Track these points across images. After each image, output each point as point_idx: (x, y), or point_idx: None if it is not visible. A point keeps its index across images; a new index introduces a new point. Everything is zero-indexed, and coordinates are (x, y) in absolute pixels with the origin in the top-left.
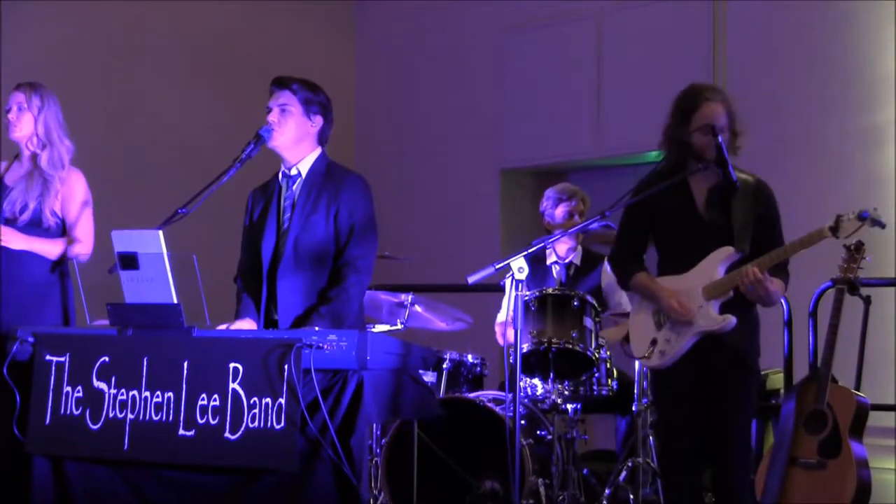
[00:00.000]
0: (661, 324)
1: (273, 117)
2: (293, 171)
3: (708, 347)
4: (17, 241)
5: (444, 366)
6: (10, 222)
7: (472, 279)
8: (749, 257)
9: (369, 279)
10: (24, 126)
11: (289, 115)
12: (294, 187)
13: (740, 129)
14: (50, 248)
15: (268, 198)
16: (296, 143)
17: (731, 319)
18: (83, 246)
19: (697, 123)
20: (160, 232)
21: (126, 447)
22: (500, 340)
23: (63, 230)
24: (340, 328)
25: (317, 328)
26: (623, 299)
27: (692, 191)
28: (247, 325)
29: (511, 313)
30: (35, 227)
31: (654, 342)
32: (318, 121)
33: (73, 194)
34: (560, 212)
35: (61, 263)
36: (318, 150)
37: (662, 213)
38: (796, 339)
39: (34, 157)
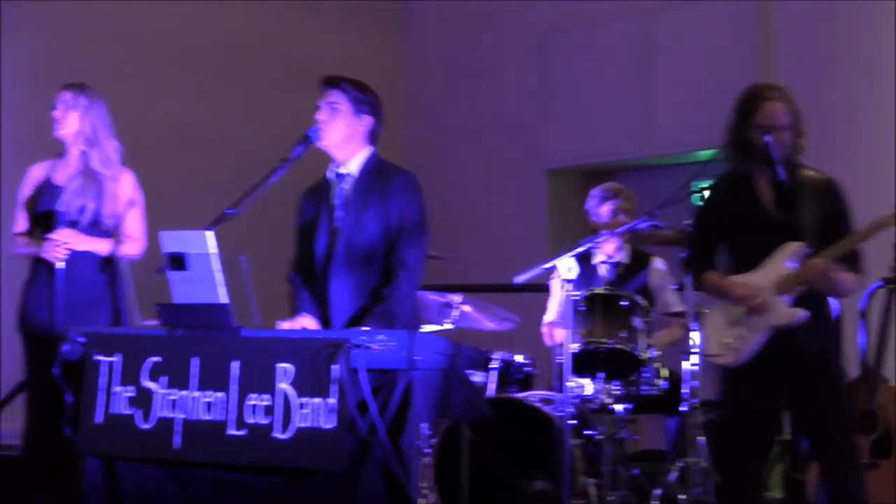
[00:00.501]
0: (734, 321)
1: (322, 115)
2: (343, 170)
3: (778, 347)
4: (81, 242)
5: (493, 366)
6: (73, 225)
7: (519, 279)
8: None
9: (421, 277)
10: (70, 123)
11: (338, 113)
12: (345, 186)
13: (806, 127)
14: (101, 247)
15: (319, 198)
16: (345, 142)
17: (802, 313)
18: (134, 245)
19: (758, 123)
20: (209, 232)
21: (176, 447)
22: (548, 341)
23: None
24: (394, 327)
25: (367, 328)
26: (672, 298)
27: (758, 190)
28: (307, 321)
29: (560, 313)
30: (95, 228)
31: (727, 340)
32: (368, 120)
33: (123, 193)
34: (605, 210)
35: (111, 263)
36: (369, 150)
37: (729, 214)
38: (847, 339)
39: (83, 156)
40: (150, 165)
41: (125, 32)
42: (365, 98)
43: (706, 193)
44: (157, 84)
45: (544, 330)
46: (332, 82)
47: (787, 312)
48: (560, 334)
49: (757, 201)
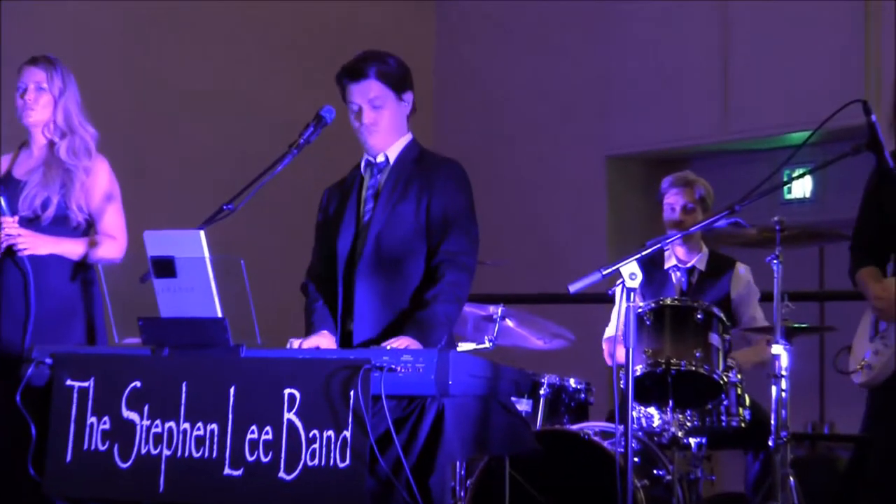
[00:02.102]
0: (876, 333)
1: (369, 119)
2: (380, 158)
3: None
4: (43, 245)
5: (542, 392)
6: (33, 222)
7: (573, 288)
8: None
9: (472, 278)
10: (43, 110)
11: (384, 109)
12: (379, 175)
13: None
14: (73, 249)
15: (346, 190)
16: (391, 134)
17: None
18: (114, 246)
19: None
20: (202, 232)
21: (162, 489)
22: (609, 360)
23: (88, 229)
24: (436, 337)
25: (389, 347)
26: (758, 313)
27: None
28: (324, 340)
29: (621, 328)
30: (61, 225)
31: (865, 355)
32: (409, 96)
33: (97, 186)
34: (669, 203)
35: (85, 269)
36: (409, 136)
37: (891, 207)
38: None
39: (50, 145)
40: (188, 156)
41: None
42: (400, 74)
43: (869, 181)
44: (206, 61)
45: (604, 346)
46: (361, 73)
47: None
48: (622, 353)
49: None
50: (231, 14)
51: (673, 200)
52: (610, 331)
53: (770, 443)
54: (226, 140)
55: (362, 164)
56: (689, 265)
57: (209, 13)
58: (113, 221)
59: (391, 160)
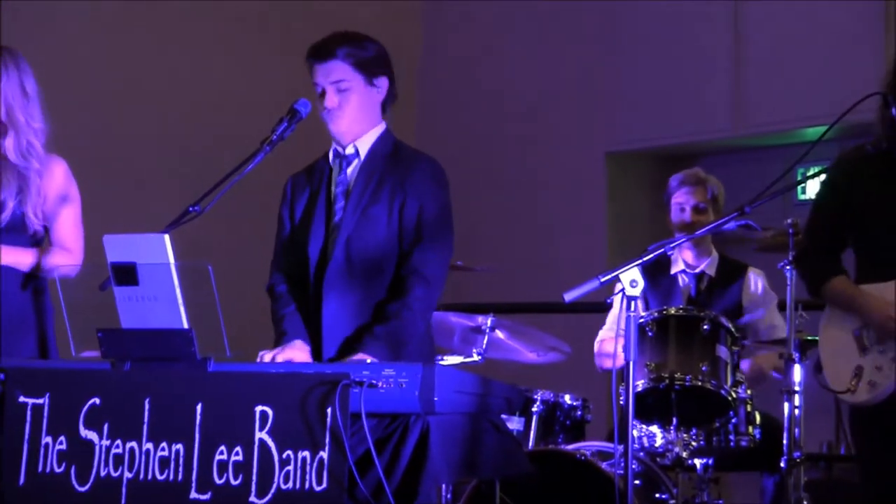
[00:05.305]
0: (867, 346)
1: (332, 102)
2: (349, 150)
3: None
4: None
5: (535, 409)
6: None
7: (569, 296)
8: None
9: (440, 292)
10: None
11: (350, 93)
12: (349, 171)
13: None
14: (23, 259)
15: (314, 184)
16: (359, 122)
17: None
18: (69, 255)
19: None
20: (166, 236)
21: None
22: (599, 363)
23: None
24: (399, 354)
25: (369, 359)
26: (777, 320)
27: None
28: (298, 353)
29: (622, 334)
30: (17, 233)
31: (858, 371)
32: (383, 82)
33: (52, 189)
34: (678, 203)
35: (35, 278)
36: (382, 126)
37: (865, 203)
38: None
39: None
40: (152, 152)
41: None
42: (372, 57)
43: (834, 173)
44: (174, 46)
45: (596, 347)
46: (326, 54)
47: None
48: (610, 346)
49: None
50: (215, 11)
51: (683, 200)
52: (604, 332)
53: (782, 464)
54: (206, 139)
55: (331, 155)
56: (698, 270)
57: (193, 13)
58: (68, 231)
59: (362, 154)
